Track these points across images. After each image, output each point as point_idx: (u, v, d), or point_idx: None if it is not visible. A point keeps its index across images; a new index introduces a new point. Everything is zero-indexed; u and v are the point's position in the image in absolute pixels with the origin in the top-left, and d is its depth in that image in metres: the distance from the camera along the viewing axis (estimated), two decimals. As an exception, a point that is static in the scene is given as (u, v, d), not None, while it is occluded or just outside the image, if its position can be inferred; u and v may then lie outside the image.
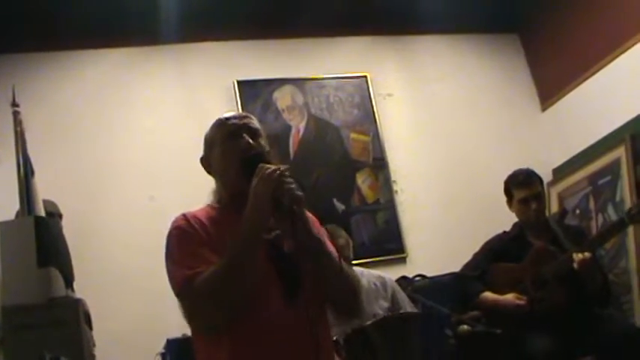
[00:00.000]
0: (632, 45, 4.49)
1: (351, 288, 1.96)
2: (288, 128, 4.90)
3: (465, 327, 3.28)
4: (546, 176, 4.87)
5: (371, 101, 5.10)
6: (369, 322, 2.92)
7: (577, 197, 4.84)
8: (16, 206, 3.33)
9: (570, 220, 4.63)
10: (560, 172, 5.10)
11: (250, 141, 1.96)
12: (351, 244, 3.87)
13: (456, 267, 3.93)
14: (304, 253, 1.84)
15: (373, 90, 5.12)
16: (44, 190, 3.49)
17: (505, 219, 3.91)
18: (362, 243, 4.63)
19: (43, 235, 3.04)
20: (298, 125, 4.93)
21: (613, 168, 4.55)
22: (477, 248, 3.91)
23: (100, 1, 4.51)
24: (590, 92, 4.90)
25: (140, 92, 4.73)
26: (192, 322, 1.85)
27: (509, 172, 3.89)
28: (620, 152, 4.51)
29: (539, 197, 3.77)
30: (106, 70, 4.70)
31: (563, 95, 5.18)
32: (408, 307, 3.62)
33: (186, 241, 1.88)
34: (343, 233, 3.85)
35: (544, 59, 5.41)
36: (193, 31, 4.79)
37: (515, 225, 3.87)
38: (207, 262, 1.80)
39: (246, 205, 1.81)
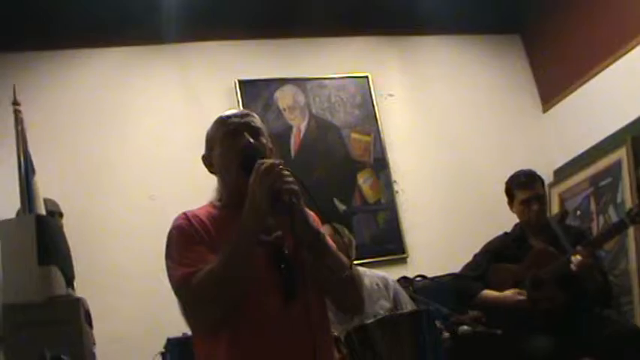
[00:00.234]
0: (634, 47, 4.49)
1: (352, 282, 1.95)
2: (290, 128, 4.90)
3: (466, 327, 3.29)
4: (547, 177, 4.87)
5: (372, 101, 5.10)
6: (370, 320, 2.92)
7: (578, 198, 4.84)
8: (17, 205, 3.33)
9: (571, 222, 4.63)
10: (561, 174, 5.09)
11: (251, 139, 1.95)
12: (354, 243, 3.86)
13: (456, 267, 3.93)
14: (303, 247, 1.84)
15: (375, 90, 5.12)
16: (45, 188, 3.50)
17: (506, 220, 3.91)
18: (363, 243, 4.62)
19: (44, 234, 3.04)
20: (299, 125, 4.93)
21: (614, 169, 4.55)
22: (477, 249, 3.92)
23: (102, 1, 4.51)
24: (591, 94, 4.90)
25: (141, 92, 4.73)
26: (189, 319, 1.85)
27: (511, 173, 3.89)
28: (622, 154, 4.50)
29: (541, 198, 3.77)
30: (108, 69, 4.70)
31: (565, 96, 5.18)
32: (409, 308, 3.62)
33: (185, 240, 1.89)
34: (346, 232, 3.84)
35: (546, 60, 5.41)
36: (195, 30, 4.79)
37: (515, 226, 3.88)
38: (205, 261, 1.80)
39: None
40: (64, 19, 4.46)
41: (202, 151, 2.08)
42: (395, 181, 4.98)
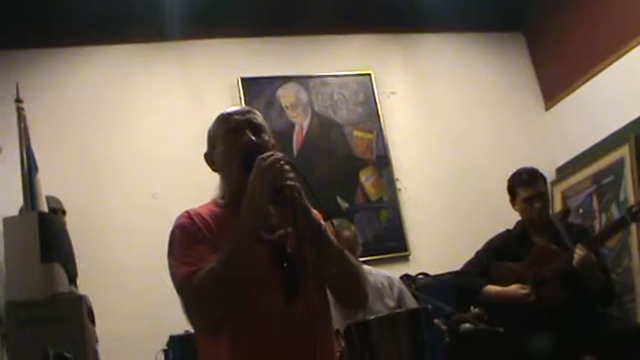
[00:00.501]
0: (637, 44, 4.49)
1: (354, 276, 1.95)
2: (292, 126, 4.90)
3: (468, 325, 3.29)
4: (550, 175, 4.87)
5: (375, 99, 5.10)
6: (372, 317, 2.92)
7: (581, 196, 4.83)
8: (20, 202, 3.33)
9: (574, 220, 4.62)
10: (563, 171, 5.09)
11: (253, 137, 1.94)
12: (359, 239, 3.85)
13: (458, 265, 3.93)
14: (305, 241, 1.83)
15: (377, 88, 5.12)
16: (48, 186, 3.50)
17: (508, 217, 3.91)
18: (365, 241, 4.60)
19: (47, 231, 3.04)
20: (302, 123, 4.93)
21: (617, 167, 4.54)
22: (479, 247, 3.92)
23: (105, -2, 4.53)
24: (594, 91, 4.90)
25: (144, 89, 4.74)
26: (191, 318, 1.85)
27: (513, 171, 3.89)
28: (624, 152, 4.50)
29: (543, 196, 3.77)
30: (110, 67, 4.71)
31: (568, 94, 5.18)
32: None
33: (188, 239, 1.88)
34: (352, 227, 3.83)
35: (548, 58, 5.41)
36: (197, 28, 4.79)
37: (517, 223, 3.87)
38: (207, 260, 1.80)
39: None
40: (66, 16, 4.46)
41: (205, 148, 2.08)
42: (397, 179, 4.98)
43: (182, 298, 1.83)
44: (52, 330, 2.79)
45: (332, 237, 1.91)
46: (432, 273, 4.10)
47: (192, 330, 1.99)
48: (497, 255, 3.78)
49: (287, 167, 1.79)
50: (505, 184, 3.88)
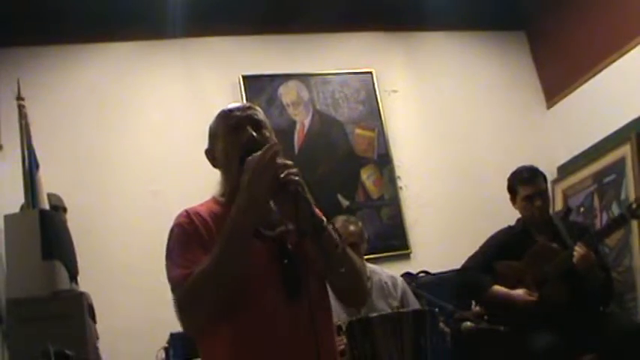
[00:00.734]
0: (638, 43, 4.48)
1: (356, 274, 1.95)
2: (293, 123, 4.90)
3: (469, 324, 3.29)
4: (551, 174, 4.87)
5: (376, 97, 5.09)
6: (375, 314, 2.91)
7: (582, 195, 4.83)
8: (21, 199, 3.34)
9: (575, 218, 4.61)
10: (564, 170, 5.09)
11: (253, 134, 1.93)
12: (365, 235, 3.83)
13: (459, 263, 3.92)
14: (306, 236, 1.81)
15: (378, 86, 5.12)
16: (49, 183, 3.51)
17: (509, 216, 3.90)
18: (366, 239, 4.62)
19: (48, 229, 3.05)
20: (303, 121, 4.93)
21: (618, 166, 4.54)
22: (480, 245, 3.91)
23: (107, -4, 4.53)
24: (595, 90, 4.89)
25: (145, 87, 4.74)
26: (179, 320, 1.82)
27: (514, 169, 3.88)
28: (626, 150, 4.50)
29: (543, 194, 3.76)
30: (112, 64, 4.70)
31: (569, 93, 5.17)
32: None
33: (185, 240, 1.87)
34: (359, 223, 3.81)
35: (550, 57, 5.40)
36: (199, 25, 4.79)
37: (518, 221, 3.86)
38: (202, 262, 1.78)
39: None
40: (68, 14, 4.46)
41: (206, 145, 2.07)
42: (398, 177, 4.98)
43: (174, 299, 1.81)
44: (53, 327, 2.80)
45: (334, 234, 1.89)
46: (433, 271, 4.09)
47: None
48: (500, 251, 3.75)
49: (289, 161, 1.78)
50: (506, 182, 3.88)
